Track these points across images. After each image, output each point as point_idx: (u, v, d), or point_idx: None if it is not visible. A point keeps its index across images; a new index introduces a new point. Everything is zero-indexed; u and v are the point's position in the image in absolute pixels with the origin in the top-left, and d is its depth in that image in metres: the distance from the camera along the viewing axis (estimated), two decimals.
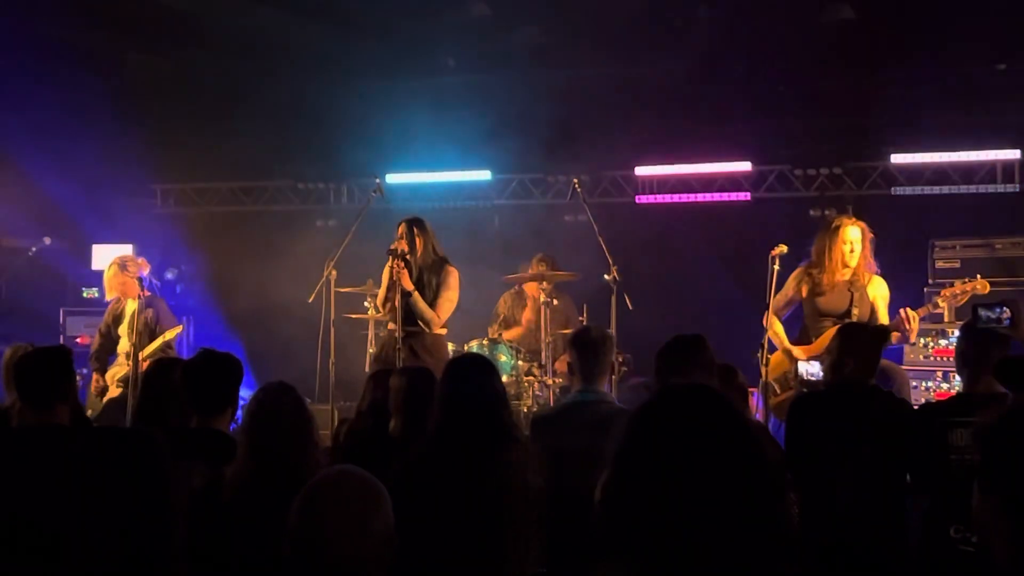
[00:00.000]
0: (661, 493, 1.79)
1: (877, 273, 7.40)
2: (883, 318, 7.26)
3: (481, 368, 4.39)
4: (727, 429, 1.85)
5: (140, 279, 8.39)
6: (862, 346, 5.18)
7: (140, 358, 8.14)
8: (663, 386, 1.95)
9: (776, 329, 7.34)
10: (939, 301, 7.40)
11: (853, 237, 7.28)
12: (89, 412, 8.44)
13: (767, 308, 7.13)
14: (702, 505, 1.77)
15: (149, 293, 8.73)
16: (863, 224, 7.38)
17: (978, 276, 7.39)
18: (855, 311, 7.20)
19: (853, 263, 7.27)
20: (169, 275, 11.23)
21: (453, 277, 7.86)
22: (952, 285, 7.39)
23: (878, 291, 7.36)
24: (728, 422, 1.86)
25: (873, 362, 5.17)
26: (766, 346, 6.99)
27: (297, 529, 2.63)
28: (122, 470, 2.91)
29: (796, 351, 7.29)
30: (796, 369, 7.17)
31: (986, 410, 2.33)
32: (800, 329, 7.52)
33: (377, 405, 5.26)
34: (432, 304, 7.76)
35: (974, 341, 5.08)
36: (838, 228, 7.30)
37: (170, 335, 8.57)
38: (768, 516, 1.82)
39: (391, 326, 7.81)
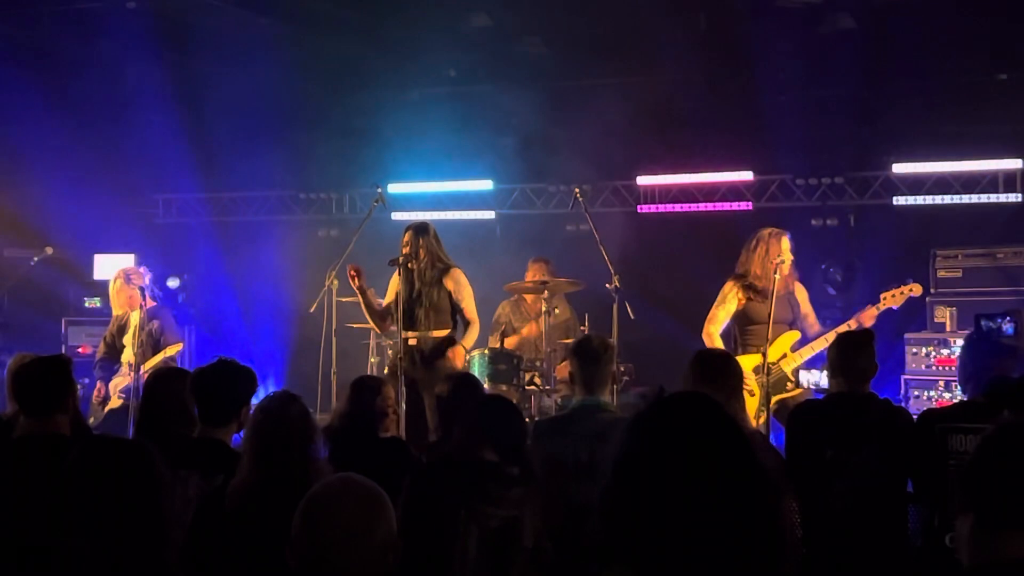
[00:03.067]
0: (659, 501, 1.79)
1: (799, 280, 7.76)
2: (811, 314, 7.66)
3: (510, 413, 4.42)
4: (723, 436, 1.85)
5: (142, 289, 8.39)
6: (857, 353, 5.18)
7: (142, 371, 8.14)
8: (659, 395, 1.95)
9: (716, 345, 7.50)
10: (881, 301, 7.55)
11: (786, 247, 7.54)
12: (91, 420, 8.45)
13: (768, 319, 7.14)
14: (700, 513, 1.77)
15: (155, 303, 8.73)
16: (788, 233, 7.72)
17: (910, 280, 7.64)
18: (799, 316, 7.59)
19: (786, 271, 7.48)
20: (171, 283, 11.23)
21: (462, 277, 7.96)
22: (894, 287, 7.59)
23: (804, 295, 7.73)
24: (724, 429, 1.86)
25: (869, 368, 5.18)
26: (766, 355, 7.00)
27: (300, 537, 2.63)
28: (113, 480, 2.91)
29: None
30: (797, 380, 7.21)
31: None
32: (733, 339, 7.69)
33: (349, 414, 5.31)
34: (462, 315, 7.93)
35: (977, 351, 5.08)
36: (780, 238, 7.57)
37: (171, 351, 8.56)
38: (766, 523, 1.82)
39: (403, 333, 7.85)
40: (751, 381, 7.16)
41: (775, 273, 7.26)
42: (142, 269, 8.92)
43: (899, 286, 7.52)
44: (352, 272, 7.78)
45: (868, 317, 7.35)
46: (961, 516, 2.23)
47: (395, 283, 7.97)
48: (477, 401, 4.50)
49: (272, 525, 3.45)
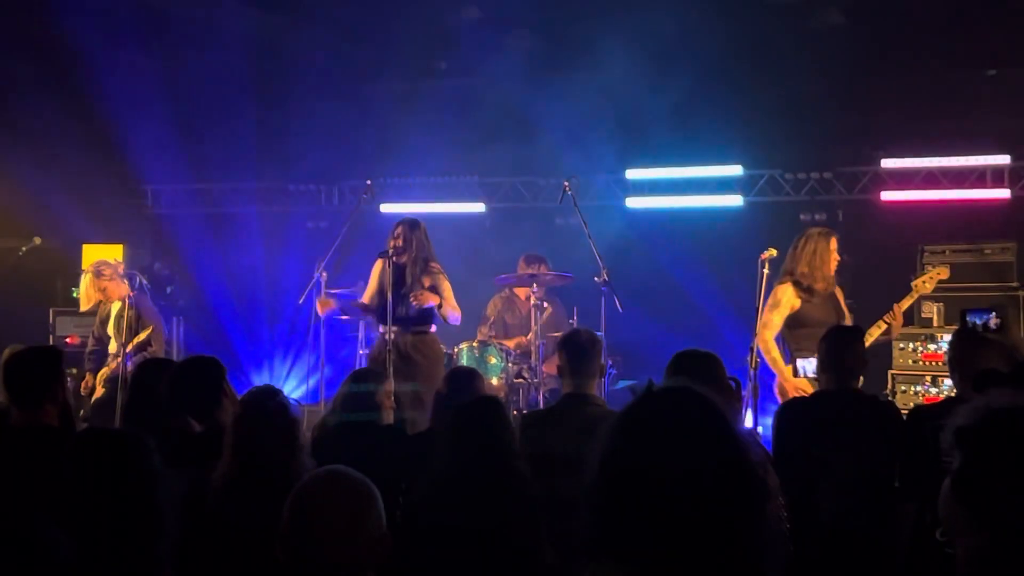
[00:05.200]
0: (646, 497, 1.79)
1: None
2: (848, 315, 7.37)
3: (491, 412, 4.40)
4: (710, 431, 1.85)
5: (131, 277, 8.39)
6: (847, 349, 5.19)
7: (120, 358, 8.15)
8: (647, 388, 1.95)
9: (776, 355, 7.21)
10: (914, 289, 7.41)
11: (835, 247, 7.37)
12: (80, 412, 8.44)
13: (756, 313, 7.12)
14: (687, 509, 1.78)
15: (133, 292, 8.72)
16: None
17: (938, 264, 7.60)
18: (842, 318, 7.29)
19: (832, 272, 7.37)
20: (156, 267, 11.22)
21: (441, 272, 7.92)
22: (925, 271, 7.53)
23: (841, 295, 7.48)
24: (712, 423, 1.86)
25: (858, 365, 5.19)
26: (755, 349, 7.01)
27: (289, 530, 2.63)
28: (110, 472, 2.91)
29: (798, 383, 7.16)
30: (795, 368, 7.14)
31: (966, 409, 2.22)
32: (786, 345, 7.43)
33: (349, 404, 5.32)
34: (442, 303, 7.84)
35: (964, 346, 5.10)
36: (830, 237, 7.36)
37: (142, 336, 8.54)
38: (753, 519, 1.82)
39: (382, 328, 7.81)
40: (807, 387, 6.93)
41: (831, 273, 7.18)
42: (113, 261, 8.92)
43: (927, 272, 7.43)
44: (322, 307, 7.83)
45: (902, 308, 7.22)
46: (958, 504, 2.14)
47: (376, 277, 7.96)
48: (456, 414, 4.49)
49: (254, 518, 3.46)
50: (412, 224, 7.96)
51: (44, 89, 10.54)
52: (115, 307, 8.54)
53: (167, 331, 9.49)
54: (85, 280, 8.72)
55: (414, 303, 7.67)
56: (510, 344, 9.06)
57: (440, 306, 7.80)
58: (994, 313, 5.23)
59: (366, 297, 8.11)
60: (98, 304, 8.82)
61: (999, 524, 2.03)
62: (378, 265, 7.95)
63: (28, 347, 4.88)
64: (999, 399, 2.11)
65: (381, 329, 7.87)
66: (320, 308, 8.01)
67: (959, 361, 5.09)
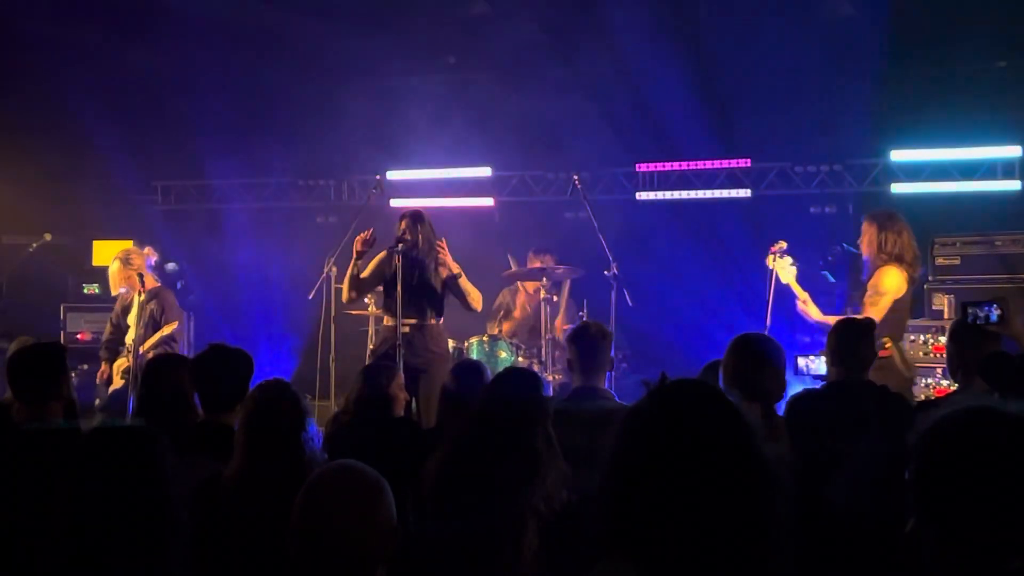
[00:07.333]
0: (658, 493, 1.79)
1: None
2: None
3: (523, 383, 4.36)
4: (723, 426, 1.85)
5: (140, 276, 8.40)
6: (861, 340, 5.18)
7: (140, 351, 8.16)
8: (660, 382, 1.94)
9: None
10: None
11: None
12: (96, 402, 8.49)
13: (766, 306, 7.11)
14: (699, 504, 1.77)
15: (157, 284, 8.76)
16: None
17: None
18: None
19: None
20: (169, 267, 11.23)
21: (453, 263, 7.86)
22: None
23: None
24: (724, 419, 1.86)
25: (871, 356, 5.17)
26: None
27: (301, 524, 2.64)
28: (122, 469, 2.91)
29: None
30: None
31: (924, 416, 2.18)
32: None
33: (363, 398, 5.32)
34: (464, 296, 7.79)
35: (964, 339, 5.08)
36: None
37: (166, 330, 8.57)
38: (764, 514, 1.82)
39: (387, 320, 7.76)
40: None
41: None
42: (146, 250, 8.92)
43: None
44: (367, 236, 7.67)
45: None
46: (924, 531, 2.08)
47: (376, 264, 7.86)
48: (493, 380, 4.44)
49: (266, 513, 3.46)
50: (416, 217, 7.88)
51: (53, 86, 10.57)
52: (138, 297, 8.56)
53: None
54: (114, 266, 8.77)
55: (440, 266, 7.61)
56: (513, 318, 9.10)
57: (459, 276, 7.70)
58: (995, 305, 5.19)
59: (347, 285, 7.93)
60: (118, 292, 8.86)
61: (949, 526, 2.01)
62: (381, 255, 7.86)
63: (32, 343, 4.89)
64: (961, 403, 2.10)
65: (386, 321, 7.82)
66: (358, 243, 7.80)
67: (959, 355, 5.08)
